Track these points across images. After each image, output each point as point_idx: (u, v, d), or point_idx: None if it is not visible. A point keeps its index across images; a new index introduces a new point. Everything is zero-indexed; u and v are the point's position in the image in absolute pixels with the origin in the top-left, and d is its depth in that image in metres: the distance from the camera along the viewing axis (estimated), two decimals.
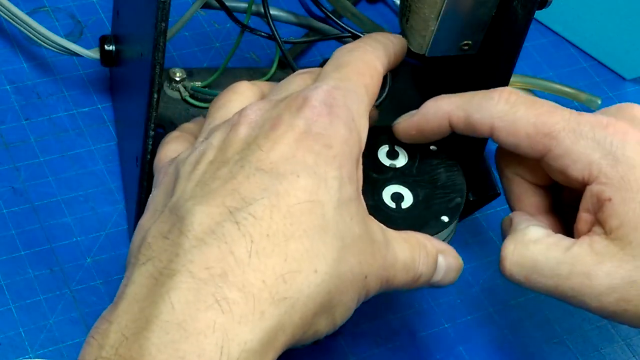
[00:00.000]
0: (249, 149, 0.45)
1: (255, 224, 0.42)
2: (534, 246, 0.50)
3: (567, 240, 0.49)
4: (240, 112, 0.47)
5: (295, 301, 0.42)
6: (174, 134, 0.53)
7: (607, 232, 0.48)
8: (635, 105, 0.51)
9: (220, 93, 0.52)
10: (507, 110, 0.50)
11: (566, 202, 0.54)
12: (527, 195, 0.54)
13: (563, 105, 0.52)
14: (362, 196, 0.47)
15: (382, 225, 0.48)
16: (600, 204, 0.48)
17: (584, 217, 0.50)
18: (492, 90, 0.52)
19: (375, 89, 0.49)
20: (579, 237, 0.50)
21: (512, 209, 0.55)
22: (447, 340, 0.63)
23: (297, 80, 0.50)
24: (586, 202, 0.49)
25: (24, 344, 0.58)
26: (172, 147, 0.51)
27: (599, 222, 0.48)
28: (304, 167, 0.43)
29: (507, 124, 0.50)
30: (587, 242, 0.48)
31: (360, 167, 0.48)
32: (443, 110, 0.52)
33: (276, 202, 0.43)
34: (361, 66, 0.48)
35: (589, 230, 0.49)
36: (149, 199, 0.48)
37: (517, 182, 0.54)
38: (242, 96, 0.50)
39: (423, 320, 0.64)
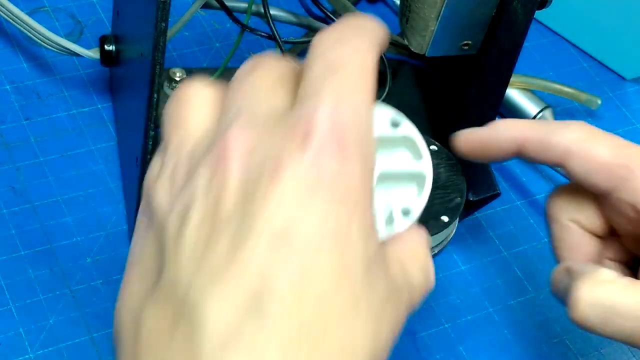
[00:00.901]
0: (250, 203, 0.35)
1: (283, 314, 0.33)
2: (610, 286, 0.46)
3: None
4: (223, 143, 0.36)
5: None
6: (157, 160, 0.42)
7: None
8: None
9: (169, 100, 0.40)
10: (584, 137, 0.48)
11: (617, 258, 0.52)
12: (581, 244, 0.51)
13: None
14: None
15: (395, 253, 0.41)
16: None
17: None
18: (570, 121, 0.50)
19: (374, 88, 0.40)
20: None
21: (561, 259, 0.52)
22: (447, 340, 0.63)
23: (266, 82, 0.38)
24: None
25: (24, 344, 0.58)
26: (154, 168, 0.40)
27: None
28: (324, 230, 0.35)
29: (583, 151, 0.48)
30: None
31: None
32: (517, 130, 0.50)
33: (302, 281, 0.34)
34: (359, 65, 0.39)
35: None
36: (135, 236, 0.39)
37: (572, 230, 0.51)
38: (199, 104, 0.39)
39: (423, 320, 0.64)
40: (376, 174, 0.40)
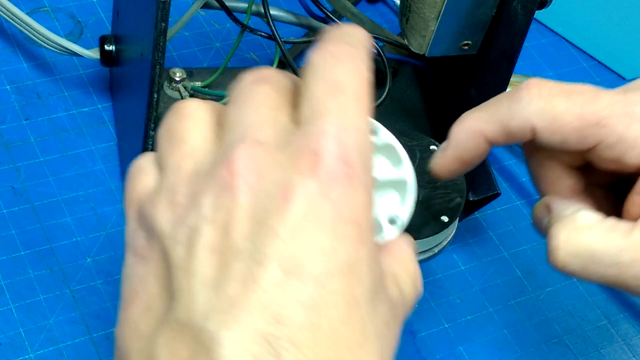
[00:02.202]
0: (261, 234, 0.34)
1: (298, 356, 0.33)
2: (589, 233, 0.45)
3: (624, 224, 0.45)
4: (229, 166, 0.35)
5: None
6: (145, 160, 0.39)
7: None
8: None
9: (166, 116, 0.39)
10: (544, 107, 0.46)
11: (598, 182, 0.50)
12: (561, 178, 0.49)
13: None
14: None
15: (388, 267, 0.40)
16: None
17: (637, 201, 0.46)
18: (517, 88, 0.47)
19: (370, 105, 0.39)
20: (630, 219, 0.46)
21: (542, 194, 0.50)
22: (447, 340, 0.63)
23: (268, 99, 0.38)
24: None
25: (24, 344, 0.58)
26: (143, 183, 0.38)
27: None
28: (335, 262, 0.34)
29: (549, 122, 0.46)
30: None
31: None
32: (475, 130, 0.48)
33: (316, 318, 0.34)
34: (358, 85, 0.37)
35: None
36: (129, 267, 0.37)
37: (552, 166, 0.49)
38: (198, 121, 0.38)
39: (423, 320, 0.64)
40: None
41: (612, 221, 0.46)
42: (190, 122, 0.38)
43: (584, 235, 0.46)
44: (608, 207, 0.49)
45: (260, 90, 0.38)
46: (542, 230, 0.49)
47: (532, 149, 0.49)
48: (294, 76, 0.39)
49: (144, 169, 0.38)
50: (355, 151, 0.35)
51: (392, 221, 0.41)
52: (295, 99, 0.37)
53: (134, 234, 0.37)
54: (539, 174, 0.50)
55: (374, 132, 0.42)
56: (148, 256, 0.36)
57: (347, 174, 0.35)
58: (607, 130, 0.45)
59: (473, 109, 0.49)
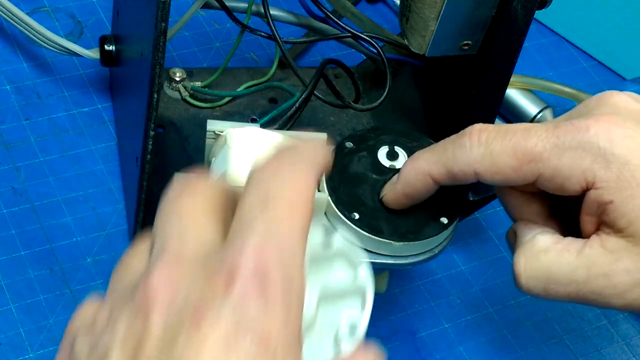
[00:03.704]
0: (170, 355, 0.33)
1: None
2: (544, 256, 0.49)
3: (577, 243, 0.48)
4: (144, 287, 0.34)
5: None
6: (91, 302, 0.39)
7: (615, 231, 0.47)
8: (614, 93, 0.49)
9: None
10: (483, 153, 0.49)
11: (565, 204, 0.52)
12: (525, 204, 0.52)
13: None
14: None
15: None
16: (602, 208, 0.47)
17: (588, 220, 0.48)
18: (461, 134, 0.50)
19: (309, 221, 0.37)
20: (586, 237, 0.49)
21: (513, 220, 0.53)
22: (447, 340, 0.63)
23: (193, 211, 0.36)
24: (588, 207, 0.48)
25: (24, 344, 0.58)
26: (85, 314, 0.38)
27: (605, 223, 0.48)
28: None
29: (488, 167, 0.49)
30: (598, 243, 0.47)
31: (302, 339, 0.36)
32: (423, 170, 0.51)
33: None
34: (290, 197, 0.36)
35: (596, 230, 0.48)
36: None
37: (512, 193, 0.52)
38: (138, 251, 0.38)
39: (423, 320, 0.64)
40: (317, 295, 0.39)
41: (566, 241, 0.49)
42: (133, 251, 0.38)
43: (539, 258, 0.49)
44: (576, 227, 0.50)
45: (186, 202, 0.37)
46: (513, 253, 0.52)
47: (497, 181, 0.52)
48: (234, 187, 0.38)
49: (88, 304, 0.38)
50: (276, 266, 0.34)
51: (352, 329, 0.40)
52: (231, 211, 0.36)
53: (60, 356, 0.37)
54: (506, 202, 0.53)
55: (327, 241, 0.41)
56: None
57: (262, 291, 0.34)
58: (542, 165, 0.48)
59: (424, 149, 0.52)
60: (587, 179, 0.47)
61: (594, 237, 0.48)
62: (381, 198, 0.54)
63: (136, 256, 0.38)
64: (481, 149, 0.49)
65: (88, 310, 0.38)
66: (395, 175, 0.53)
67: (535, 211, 0.52)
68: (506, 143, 0.48)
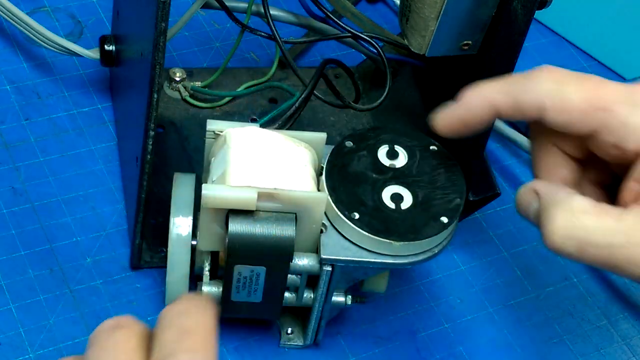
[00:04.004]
0: None
1: None
2: (584, 216, 0.47)
3: (616, 209, 0.48)
4: None
5: None
6: None
7: None
8: None
9: None
10: (555, 89, 0.48)
11: (591, 180, 0.52)
12: (560, 167, 0.51)
13: None
14: None
15: None
16: None
17: (632, 187, 0.48)
18: (534, 69, 0.49)
19: (216, 348, 0.42)
20: (625, 206, 0.48)
21: (537, 177, 0.52)
22: (447, 340, 0.63)
23: (128, 344, 0.41)
24: (638, 172, 0.48)
25: (24, 344, 0.58)
26: None
27: None
28: None
29: (558, 103, 0.48)
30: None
31: None
32: (487, 97, 0.50)
33: None
34: (204, 330, 0.41)
35: (637, 200, 0.48)
36: None
37: (553, 152, 0.51)
38: None
39: (423, 320, 0.64)
40: None
41: (604, 206, 0.48)
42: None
43: (579, 218, 0.47)
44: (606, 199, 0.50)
45: (117, 335, 0.40)
46: (528, 214, 0.51)
47: (539, 131, 0.51)
48: (147, 326, 0.42)
49: None
50: None
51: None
52: (149, 345, 0.40)
53: None
54: (540, 157, 0.52)
55: None
56: None
57: None
58: (610, 115, 0.47)
59: (489, 81, 0.51)
60: None
61: (635, 207, 0.47)
62: (431, 120, 0.52)
63: None
64: (554, 85, 0.49)
65: None
66: (450, 102, 0.52)
67: (565, 176, 0.51)
68: (582, 86, 0.48)
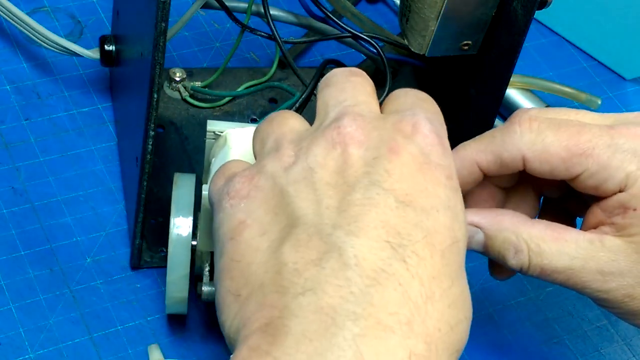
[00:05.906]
0: (374, 173, 0.41)
1: (420, 264, 0.39)
2: (543, 244, 0.50)
3: (572, 234, 0.50)
4: (337, 128, 0.42)
5: (459, 351, 0.41)
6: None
7: (623, 235, 0.49)
8: None
9: (263, 121, 0.47)
10: (534, 140, 0.50)
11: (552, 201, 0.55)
12: (516, 199, 0.54)
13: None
14: None
15: None
16: (623, 211, 0.49)
17: (598, 215, 0.50)
18: (509, 122, 0.51)
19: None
20: (586, 229, 0.50)
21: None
22: None
23: (365, 88, 0.46)
24: (609, 205, 0.49)
25: (24, 344, 0.58)
26: (229, 168, 0.46)
27: (614, 224, 0.49)
28: (439, 202, 0.41)
29: (538, 153, 0.50)
30: (598, 239, 0.49)
31: None
32: (469, 159, 0.51)
33: (431, 241, 0.40)
34: (436, 105, 0.46)
35: (597, 226, 0.50)
36: (227, 208, 0.44)
37: (484, 183, 0.53)
38: (290, 119, 0.46)
39: None
40: None
41: (559, 230, 0.50)
42: (282, 117, 0.46)
43: (539, 245, 0.50)
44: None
45: (355, 79, 0.46)
46: (471, 246, 0.52)
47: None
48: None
49: (221, 170, 0.46)
50: (443, 132, 0.44)
51: None
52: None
53: (226, 184, 0.44)
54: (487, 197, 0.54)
55: None
56: (251, 195, 0.43)
57: (440, 142, 0.43)
58: (590, 160, 0.49)
59: (468, 141, 0.52)
60: (627, 182, 0.49)
61: (594, 233, 0.50)
62: None
63: (291, 118, 0.46)
64: (532, 136, 0.50)
65: (230, 166, 0.46)
66: None
67: (527, 206, 0.54)
68: (560, 134, 0.49)
